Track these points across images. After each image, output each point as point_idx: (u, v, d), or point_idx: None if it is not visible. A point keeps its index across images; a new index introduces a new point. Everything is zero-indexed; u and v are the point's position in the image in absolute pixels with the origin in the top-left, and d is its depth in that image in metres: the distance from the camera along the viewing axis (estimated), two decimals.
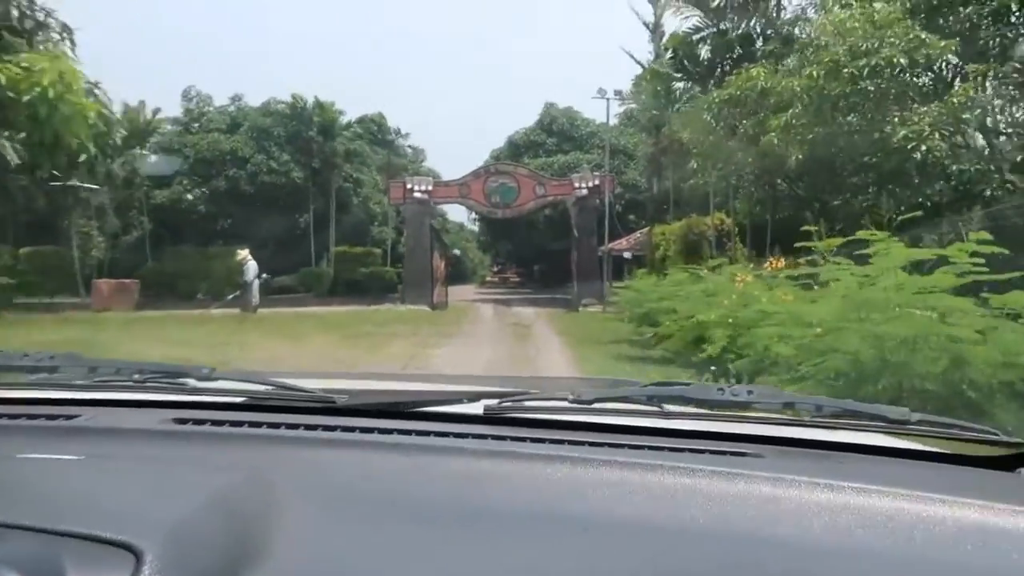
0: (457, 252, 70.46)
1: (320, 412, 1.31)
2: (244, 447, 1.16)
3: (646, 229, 31.14)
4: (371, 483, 1.05)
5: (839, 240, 6.10)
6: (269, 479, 1.01)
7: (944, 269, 5.54)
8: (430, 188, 29.88)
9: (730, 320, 8.79)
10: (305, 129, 33.70)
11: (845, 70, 9.95)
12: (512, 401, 1.31)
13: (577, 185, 29.79)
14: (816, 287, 8.63)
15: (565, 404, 1.28)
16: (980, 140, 10.49)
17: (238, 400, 1.39)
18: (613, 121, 37.42)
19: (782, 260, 9.30)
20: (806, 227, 6.49)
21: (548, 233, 34.84)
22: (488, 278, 74.16)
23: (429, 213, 30.22)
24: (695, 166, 16.56)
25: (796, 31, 16.13)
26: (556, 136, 35.42)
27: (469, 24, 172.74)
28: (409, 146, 37.23)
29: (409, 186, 29.83)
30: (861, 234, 6.03)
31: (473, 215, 40.08)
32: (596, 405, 1.27)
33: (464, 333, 19.88)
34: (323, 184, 35.09)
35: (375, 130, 35.34)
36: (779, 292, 8.90)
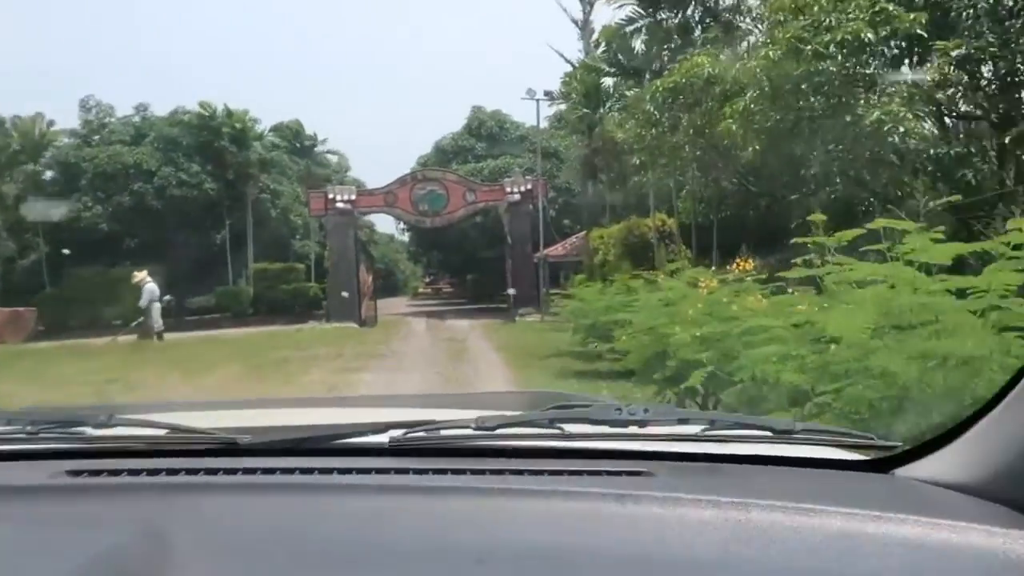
0: (381, 266, 68.77)
1: (222, 454, 1.31)
2: (141, 498, 1.15)
3: (582, 234, 30.04)
4: (271, 529, 1.06)
5: (853, 233, 4.81)
6: (165, 532, 1.01)
7: (996, 266, 4.29)
8: (353, 198, 28.08)
9: (697, 334, 7.55)
10: (216, 139, 31.43)
11: (807, 47, 8.90)
12: (417, 431, 1.31)
13: (509, 190, 28.48)
14: (793, 291, 7.47)
15: (469, 431, 1.29)
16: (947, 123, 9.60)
17: (137, 447, 1.37)
18: (544, 124, 36.29)
19: (750, 261, 8.07)
20: (812, 216, 5.19)
21: (481, 241, 33.44)
22: (420, 290, 72.32)
23: (354, 224, 28.40)
24: (637, 162, 15.41)
25: (737, 18, 15.21)
26: (485, 140, 34.09)
27: (389, 24, 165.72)
28: (329, 152, 35.33)
29: (331, 196, 27.96)
30: (880, 222, 4.76)
31: (402, 225, 38.36)
32: (499, 431, 1.29)
33: (393, 352, 18.24)
34: (238, 197, 32.84)
35: (292, 138, 33.28)
36: (751, 299, 7.70)
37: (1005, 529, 0.96)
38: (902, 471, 1.24)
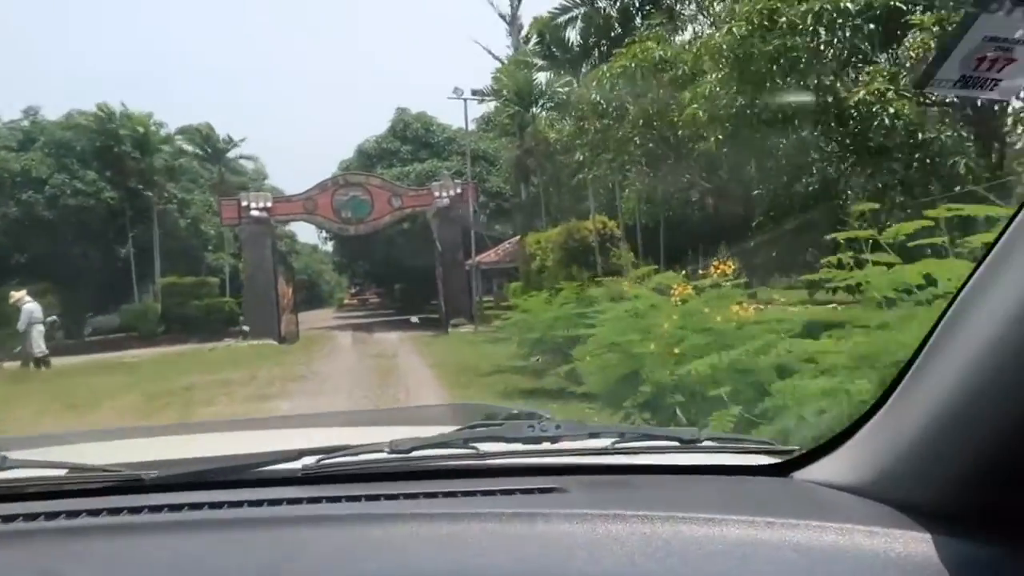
0: (304, 277, 66.03)
1: (126, 491, 1.25)
2: (39, 544, 1.10)
3: (516, 239, 28.77)
4: (179, 570, 1.03)
5: (914, 226, 3.55)
6: None
7: None
8: (269, 205, 26.06)
9: (676, 351, 6.33)
10: (116, 143, 28.80)
11: (781, 19, 7.81)
12: (331, 457, 1.29)
13: (437, 195, 26.99)
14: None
15: (383, 455, 1.28)
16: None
17: (35, 489, 1.29)
18: (472, 125, 34.97)
19: (729, 263, 6.86)
20: (861, 206, 3.92)
21: (408, 249, 31.74)
22: (346, 301, 69.81)
23: (270, 234, 26.36)
24: (580, 159, 14.16)
25: (680, 5, 14.18)
26: (411, 143, 32.46)
27: (307, 20, 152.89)
28: (244, 157, 32.85)
29: (244, 204, 25.88)
30: (945, 210, 3.56)
31: (324, 233, 36.30)
32: (414, 453, 1.28)
33: (315, 373, 16.48)
34: (143, 207, 30.25)
35: (202, 142, 30.88)
36: (737, 308, 6.49)
37: (886, 529, 1.02)
38: (799, 474, 1.28)
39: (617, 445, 1.34)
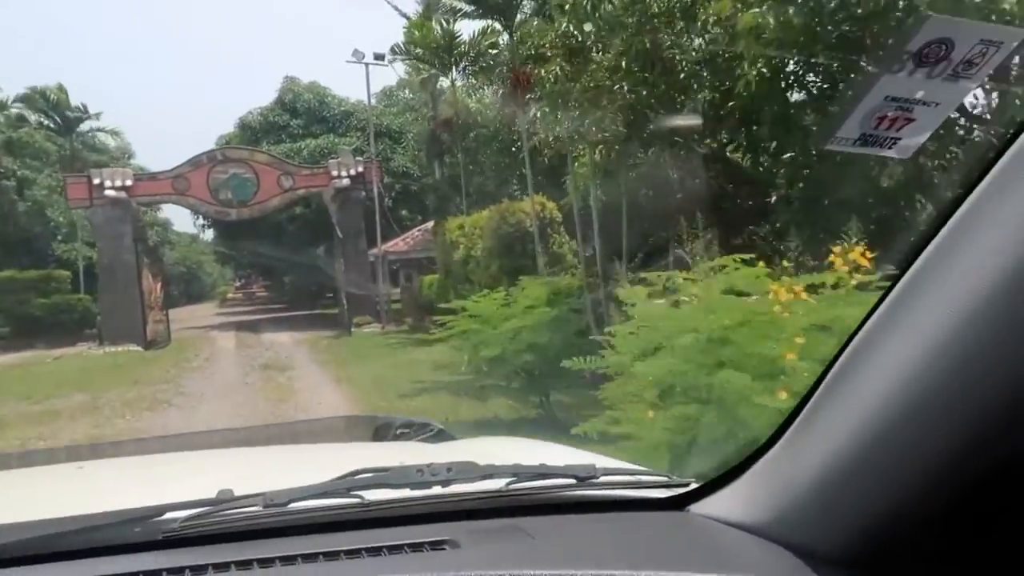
0: (183, 270, 59.85)
1: None
2: None
3: (427, 226, 25.49)
4: None
5: None
6: None
7: None
8: (129, 183, 21.65)
9: None
10: None
11: None
12: (197, 513, 1.15)
13: (336, 173, 23.34)
14: None
15: (257, 510, 1.17)
16: None
17: None
18: (374, 100, 31.27)
19: (863, 251, 4.01)
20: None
21: (302, 236, 27.82)
22: (230, 295, 64.06)
23: (131, 218, 21.96)
24: (541, 114, 11.13)
25: None
26: (302, 117, 28.45)
27: None
28: (102, 130, 27.61)
29: (97, 182, 21.37)
30: None
31: (201, 220, 31.64)
32: (292, 506, 1.18)
33: (185, 395, 12.77)
34: None
35: (49, 109, 25.76)
36: None
37: (776, 572, 1.02)
38: (696, 507, 1.27)
39: (512, 486, 1.28)
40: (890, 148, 1.05)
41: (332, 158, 24.46)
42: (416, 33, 19.08)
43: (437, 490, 1.24)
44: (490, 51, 18.92)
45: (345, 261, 21.98)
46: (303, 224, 27.66)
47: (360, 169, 23.53)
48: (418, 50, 19.27)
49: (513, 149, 17.19)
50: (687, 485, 1.31)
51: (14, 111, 25.43)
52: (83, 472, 1.98)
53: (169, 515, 1.14)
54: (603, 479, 1.31)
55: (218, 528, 1.15)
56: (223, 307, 54.87)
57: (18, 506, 1.46)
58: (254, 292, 59.28)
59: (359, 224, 23.74)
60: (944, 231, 0.86)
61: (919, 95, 1.01)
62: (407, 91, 32.43)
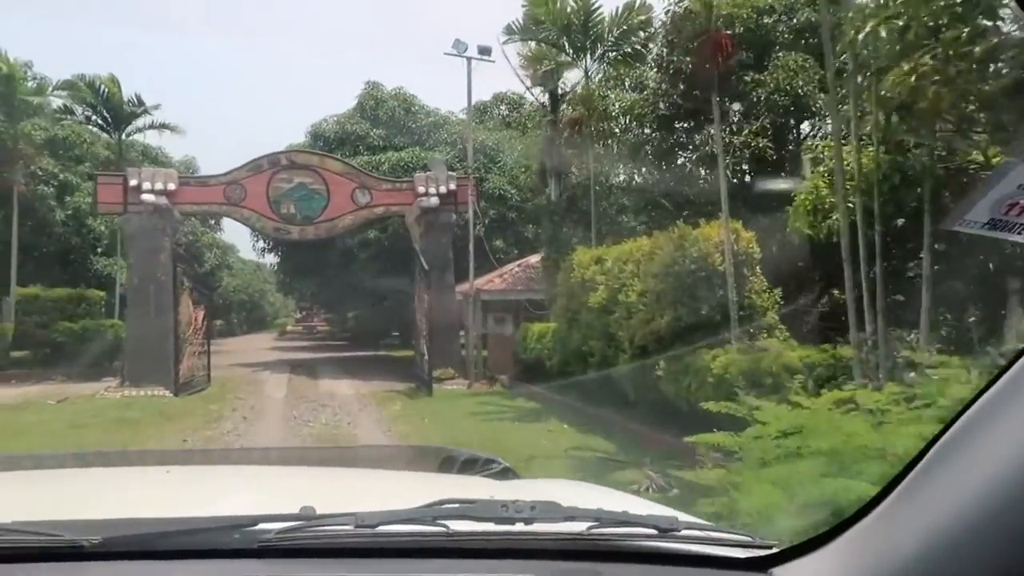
0: (244, 298, 56.46)
1: (65, 557, 1.15)
2: None
3: (529, 260, 20.71)
4: None
5: None
6: None
7: None
8: (172, 188, 17.52)
9: None
10: None
11: None
12: (291, 527, 1.20)
13: (422, 190, 18.85)
14: None
15: (348, 529, 1.21)
16: None
17: None
18: (463, 116, 27.01)
19: None
20: None
21: (374, 265, 23.41)
22: (290, 327, 60.55)
23: (170, 229, 17.82)
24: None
25: None
26: (384, 126, 24.34)
27: None
28: (159, 126, 23.39)
29: (134, 183, 17.31)
30: None
31: (259, 241, 27.59)
32: (381, 528, 1.21)
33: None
34: None
35: (98, 103, 22.19)
36: None
37: None
38: (779, 571, 1.24)
39: (593, 531, 1.28)
40: (1019, 233, 1.06)
41: (420, 171, 20.03)
42: (541, 8, 14.53)
43: (520, 527, 1.24)
44: (640, 31, 14.25)
45: (429, 298, 17.28)
46: (377, 251, 23.23)
47: (452, 186, 18.99)
48: (543, 28, 14.65)
49: (681, 154, 12.28)
50: (770, 547, 1.27)
51: (56, 101, 21.87)
52: (172, 476, 2.04)
53: (263, 525, 1.18)
54: (685, 532, 1.30)
55: (310, 543, 1.20)
56: (281, 339, 51.17)
57: (114, 503, 1.59)
58: (315, 326, 55.54)
59: (446, 254, 19.12)
60: None
61: None
62: (503, 106, 28.15)
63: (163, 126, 23.04)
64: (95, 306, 22.05)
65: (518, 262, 20.98)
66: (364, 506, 1.24)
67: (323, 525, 1.21)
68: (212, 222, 37.25)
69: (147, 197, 17.20)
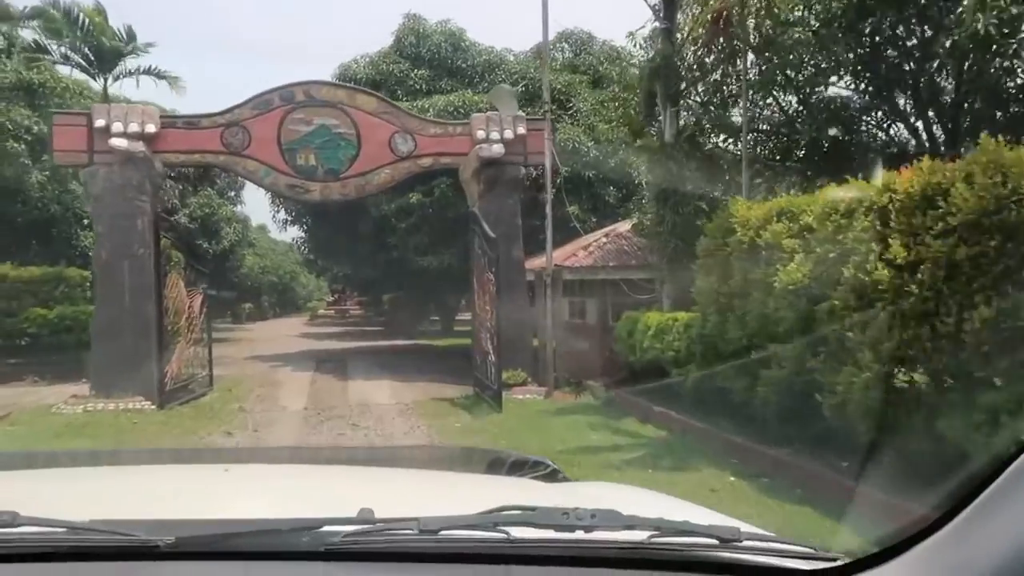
0: (274, 279, 52.37)
1: (141, 557, 1.19)
2: None
3: (619, 227, 16.01)
4: None
5: None
6: None
7: None
8: (152, 130, 13.07)
9: None
10: None
11: None
12: (356, 531, 1.24)
13: (483, 135, 14.21)
14: None
15: (411, 535, 1.23)
16: None
17: (44, 550, 1.22)
18: (521, 58, 22.18)
19: None
20: None
21: (417, 236, 18.80)
22: (321, 311, 56.52)
23: (151, 186, 13.41)
24: None
25: None
26: (428, 66, 19.71)
27: None
28: (150, 73, 19.06)
29: (101, 123, 12.91)
30: None
31: (279, 208, 23.18)
32: (443, 534, 1.24)
33: None
34: None
35: (75, 33, 17.84)
36: None
37: None
38: None
39: (653, 539, 1.28)
40: None
41: (479, 111, 15.36)
42: None
43: (580, 535, 1.25)
44: None
45: (495, 278, 12.65)
46: (420, 221, 18.61)
47: (522, 130, 14.30)
48: None
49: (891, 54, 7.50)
50: (835, 560, 1.25)
51: (25, 35, 17.57)
52: (230, 476, 2.08)
53: (328, 528, 1.21)
54: (747, 543, 1.29)
55: (376, 547, 1.22)
56: (311, 324, 47.08)
57: (182, 503, 1.62)
58: (348, 309, 51.43)
59: (514, 219, 14.49)
60: None
61: None
62: (565, 45, 23.34)
63: (159, 73, 18.59)
64: (76, 289, 17.86)
65: (604, 231, 16.24)
66: (421, 509, 1.27)
67: (388, 530, 1.23)
68: (232, 193, 33.15)
69: (117, 142, 12.79)
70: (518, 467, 2.14)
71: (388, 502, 1.36)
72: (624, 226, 16.03)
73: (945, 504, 1.07)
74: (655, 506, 1.61)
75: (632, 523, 1.28)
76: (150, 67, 18.59)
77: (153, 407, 12.63)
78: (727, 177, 11.93)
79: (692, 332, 9.83)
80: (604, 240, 15.45)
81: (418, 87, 19.38)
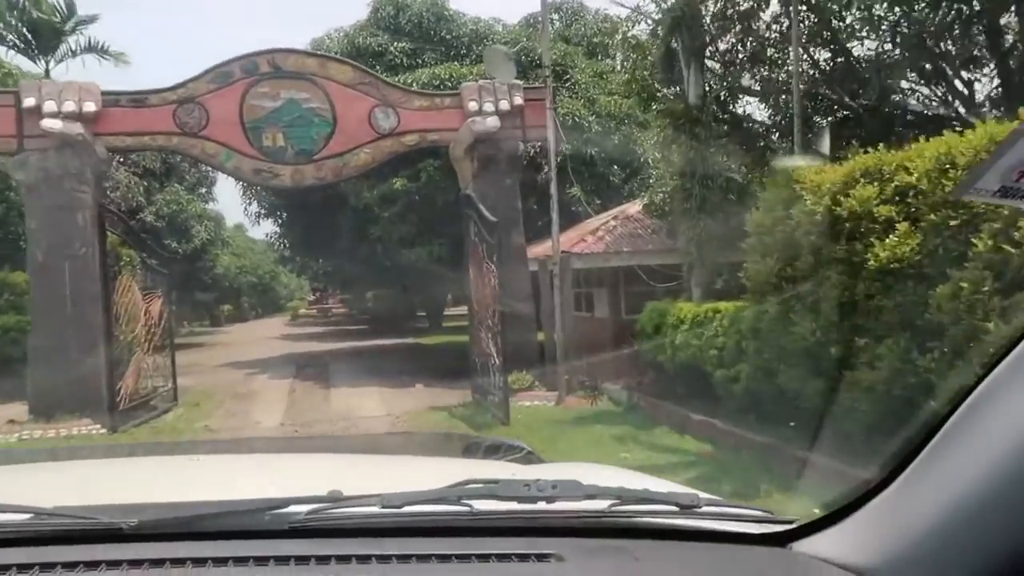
0: (254, 280, 50.24)
1: (104, 539, 1.19)
2: None
3: (629, 208, 14.35)
4: None
5: None
6: None
7: None
8: (92, 109, 11.24)
9: None
10: None
11: None
12: (320, 508, 1.24)
13: (475, 106, 12.47)
14: None
15: (375, 510, 1.24)
16: None
17: (8, 535, 1.20)
18: (513, 22, 20.45)
19: None
20: None
21: (402, 225, 17.00)
22: (303, 311, 54.53)
23: (93, 176, 11.56)
24: None
25: None
26: (409, 39, 17.89)
27: None
28: (96, 51, 17.09)
29: (31, 103, 11.06)
30: None
31: (251, 201, 21.30)
32: (406, 508, 1.25)
33: None
34: None
35: (15, 14, 15.87)
36: None
37: None
38: (799, 546, 1.24)
39: (614, 508, 1.30)
40: None
41: (469, 80, 13.62)
42: None
43: (542, 505, 1.25)
44: None
45: (494, 268, 10.94)
46: (405, 209, 16.82)
47: (519, 100, 12.58)
48: None
49: None
50: (790, 522, 1.28)
51: None
52: (200, 464, 2.10)
53: (293, 507, 1.21)
54: (705, 509, 1.31)
55: (339, 523, 1.22)
56: (292, 325, 45.12)
57: (149, 489, 1.64)
58: (330, 308, 49.53)
59: (513, 201, 12.76)
60: None
61: None
62: (555, 16, 21.66)
63: (103, 49, 16.63)
64: (22, 297, 15.93)
65: (611, 213, 14.56)
66: (389, 488, 1.27)
67: (350, 506, 1.24)
68: (203, 190, 31.10)
69: (50, 124, 10.93)
70: (493, 451, 2.21)
71: (358, 483, 1.35)
72: (634, 207, 14.37)
73: (889, 464, 1.08)
74: (619, 479, 1.67)
75: (593, 493, 1.29)
76: (93, 43, 16.61)
77: (103, 431, 10.85)
78: (762, 143, 10.27)
79: (742, 325, 8.17)
80: (613, 223, 13.77)
81: (399, 61, 17.58)
